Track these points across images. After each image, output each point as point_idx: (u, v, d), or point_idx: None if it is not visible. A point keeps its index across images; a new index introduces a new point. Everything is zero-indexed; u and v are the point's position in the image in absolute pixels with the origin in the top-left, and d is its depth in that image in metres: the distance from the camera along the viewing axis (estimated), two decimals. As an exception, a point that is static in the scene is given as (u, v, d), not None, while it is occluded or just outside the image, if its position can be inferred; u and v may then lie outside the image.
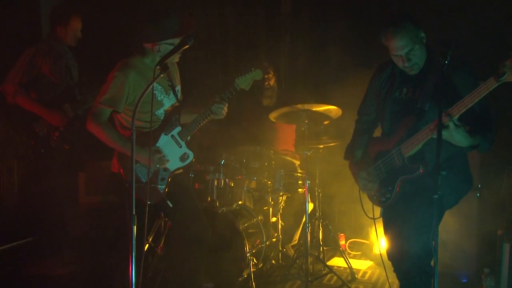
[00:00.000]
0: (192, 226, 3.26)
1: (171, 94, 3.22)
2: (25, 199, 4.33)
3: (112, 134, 3.06)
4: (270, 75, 4.87)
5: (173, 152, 3.18)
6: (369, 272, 4.44)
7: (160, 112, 3.20)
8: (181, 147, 3.21)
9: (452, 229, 3.81)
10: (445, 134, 2.45)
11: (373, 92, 3.05)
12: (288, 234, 4.70)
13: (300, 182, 4.34)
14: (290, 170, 4.37)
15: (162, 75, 2.77)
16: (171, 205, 3.15)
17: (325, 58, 5.12)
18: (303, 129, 4.08)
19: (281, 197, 4.45)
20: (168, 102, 3.22)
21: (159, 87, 3.17)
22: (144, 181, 3.10)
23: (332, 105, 4.05)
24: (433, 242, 2.31)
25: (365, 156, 3.02)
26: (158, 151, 3.11)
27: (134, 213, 2.47)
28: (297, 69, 5.49)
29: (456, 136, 2.48)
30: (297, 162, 4.74)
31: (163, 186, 3.15)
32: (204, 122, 3.22)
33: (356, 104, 3.22)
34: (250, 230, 4.16)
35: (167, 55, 2.84)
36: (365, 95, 3.13)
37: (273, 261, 4.47)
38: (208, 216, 4.03)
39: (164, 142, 3.16)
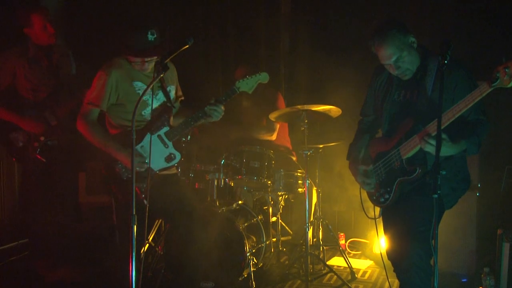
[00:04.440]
0: (185, 226, 3.26)
1: (160, 94, 3.22)
2: (25, 200, 4.29)
3: (96, 133, 3.10)
4: None
5: (158, 152, 3.15)
6: (369, 271, 4.44)
7: (147, 112, 3.20)
8: (167, 147, 3.17)
9: (452, 229, 3.81)
10: (430, 148, 2.51)
11: (372, 94, 3.06)
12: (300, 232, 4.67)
13: (300, 181, 4.35)
14: (290, 169, 4.37)
15: (162, 75, 2.78)
16: (146, 203, 3.10)
17: (325, 58, 5.13)
18: (303, 129, 4.08)
19: (281, 197, 4.46)
20: (155, 102, 3.22)
21: (145, 87, 3.16)
22: (124, 178, 3.12)
23: (332, 105, 4.05)
24: (433, 242, 2.31)
25: (366, 155, 3.03)
26: (140, 154, 3.09)
27: (134, 212, 2.47)
28: (296, 69, 5.49)
29: (442, 149, 2.50)
30: (294, 158, 4.76)
31: (144, 185, 3.12)
32: (196, 124, 3.17)
33: (355, 104, 3.23)
34: (250, 230, 4.16)
35: (167, 55, 2.85)
36: (365, 97, 3.14)
37: (273, 261, 4.48)
38: (208, 216, 4.05)
39: (149, 141, 3.12)
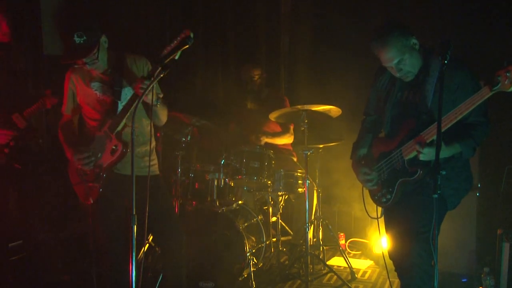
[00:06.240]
0: (156, 228, 3.28)
1: (116, 92, 3.15)
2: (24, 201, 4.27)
3: (61, 131, 3.22)
4: (256, 78, 4.79)
5: (104, 147, 3.11)
6: (369, 271, 4.44)
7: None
8: (110, 140, 3.09)
9: (452, 229, 3.80)
10: (423, 157, 2.55)
11: (374, 94, 3.06)
12: (300, 232, 4.68)
13: (300, 181, 4.35)
14: (290, 169, 4.37)
15: (162, 75, 2.76)
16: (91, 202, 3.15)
17: (325, 58, 5.13)
18: (303, 129, 4.08)
19: (281, 197, 4.46)
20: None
21: (101, 86, 3.15)
22: (81, 179, 3.16)
23: (332, 105, 4.05)
24: (433, 242, 2.31)
25: (369, 155, 3.04)
26: (80, 151, 3.08)
27: (134, 212, 2.47)
28: (296, 69, 5.49)
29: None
30: (295, 159, 4.76)
31: (97, 184, 3.09)
32: (131, 108, 3.00)
33: (355, 104, 3.22)
34: (250, 230, 4.16)
35: (167, 55, 2.83)
36: (368, 96, 3.14)
37: (273, 261, 4.49)
38: (208, 216, 4.06)
39: (98, 138, 3.13)
